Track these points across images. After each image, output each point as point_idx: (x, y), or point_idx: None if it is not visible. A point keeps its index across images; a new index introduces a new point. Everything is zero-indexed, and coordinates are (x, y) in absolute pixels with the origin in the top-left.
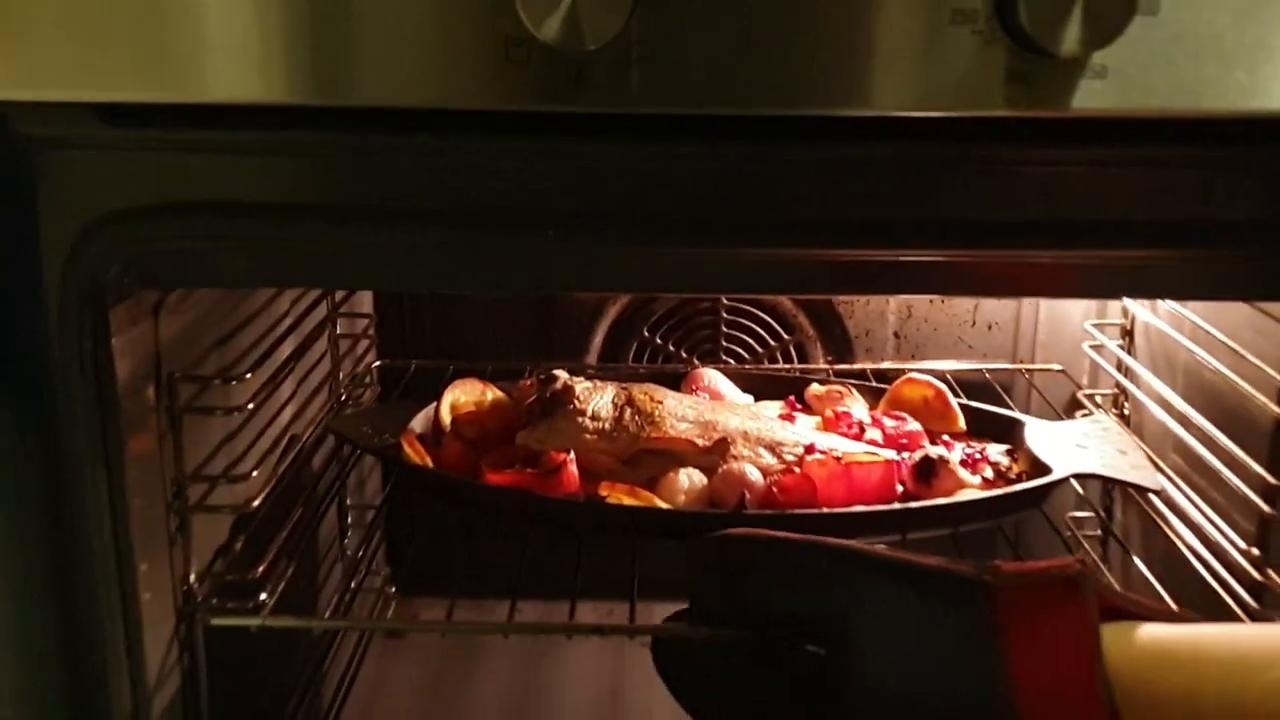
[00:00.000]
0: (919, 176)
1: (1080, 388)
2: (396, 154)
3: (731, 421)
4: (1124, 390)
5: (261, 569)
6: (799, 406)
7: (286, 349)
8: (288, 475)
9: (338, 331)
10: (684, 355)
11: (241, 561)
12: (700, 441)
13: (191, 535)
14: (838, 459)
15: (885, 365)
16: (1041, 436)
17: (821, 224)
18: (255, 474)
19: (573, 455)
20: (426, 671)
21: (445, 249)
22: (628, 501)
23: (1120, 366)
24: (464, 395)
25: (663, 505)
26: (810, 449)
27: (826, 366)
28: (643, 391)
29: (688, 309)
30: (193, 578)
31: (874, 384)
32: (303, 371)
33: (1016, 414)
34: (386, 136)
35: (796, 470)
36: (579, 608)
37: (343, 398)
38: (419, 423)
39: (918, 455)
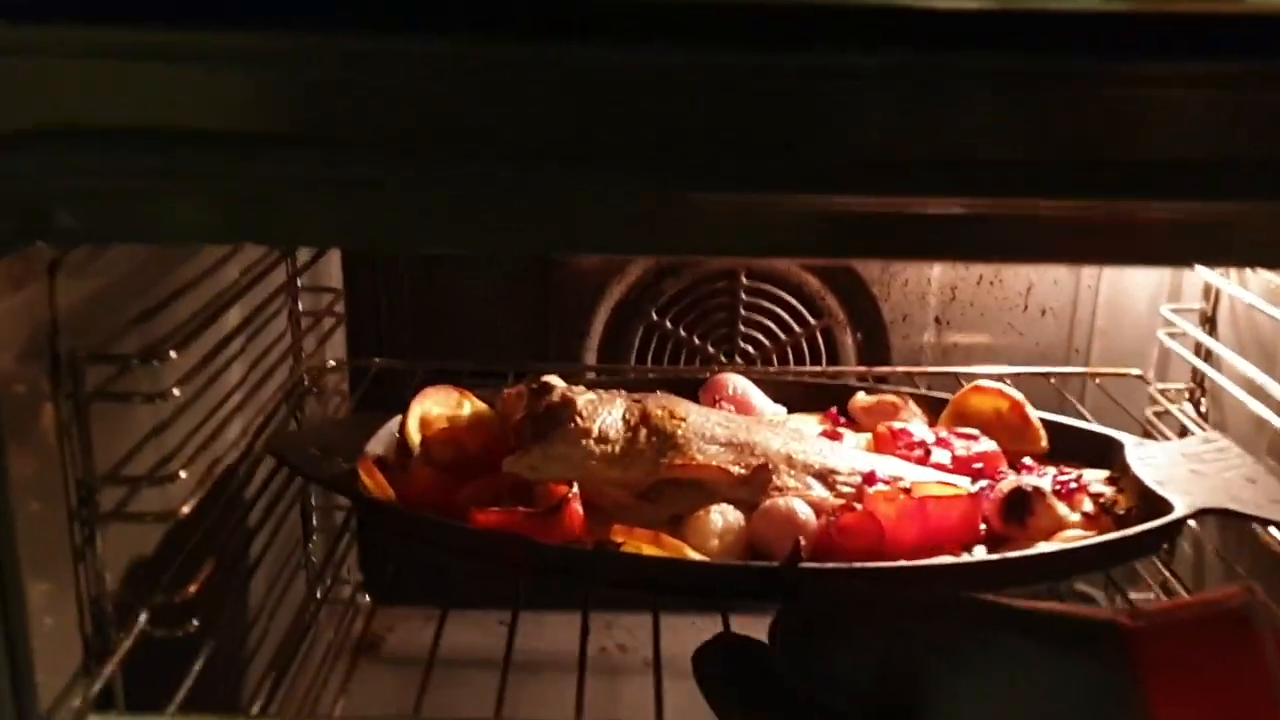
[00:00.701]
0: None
1: (1149, 383)
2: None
3: (771, 443)
4: (1201, 384)
5: (194, 588)
6: (843, 421)
7: (231, 321)
8: (233, 474)
9: (299, 308)
10: (696, 341)
11: (172, 579)
12: (735, 469)
13: (101, 549)
14: (906, 491)
15: (931, 369)
16: (1146, 460)
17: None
18: (185, 475)
19: (576, 488)
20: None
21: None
22: (650, 551)
23: (1200, 352)
24: (436, 407)
25: (693, 555)
26: (870, 478)
27: (864, 369)
28: (660, 405)
29: (701, 289)
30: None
31: (926, 391)
32: (255, 353)
33: (1112, 432)
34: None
35: (857, 506)
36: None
37: (304, 381)
38: (380, 443)
39: (1005, 486)
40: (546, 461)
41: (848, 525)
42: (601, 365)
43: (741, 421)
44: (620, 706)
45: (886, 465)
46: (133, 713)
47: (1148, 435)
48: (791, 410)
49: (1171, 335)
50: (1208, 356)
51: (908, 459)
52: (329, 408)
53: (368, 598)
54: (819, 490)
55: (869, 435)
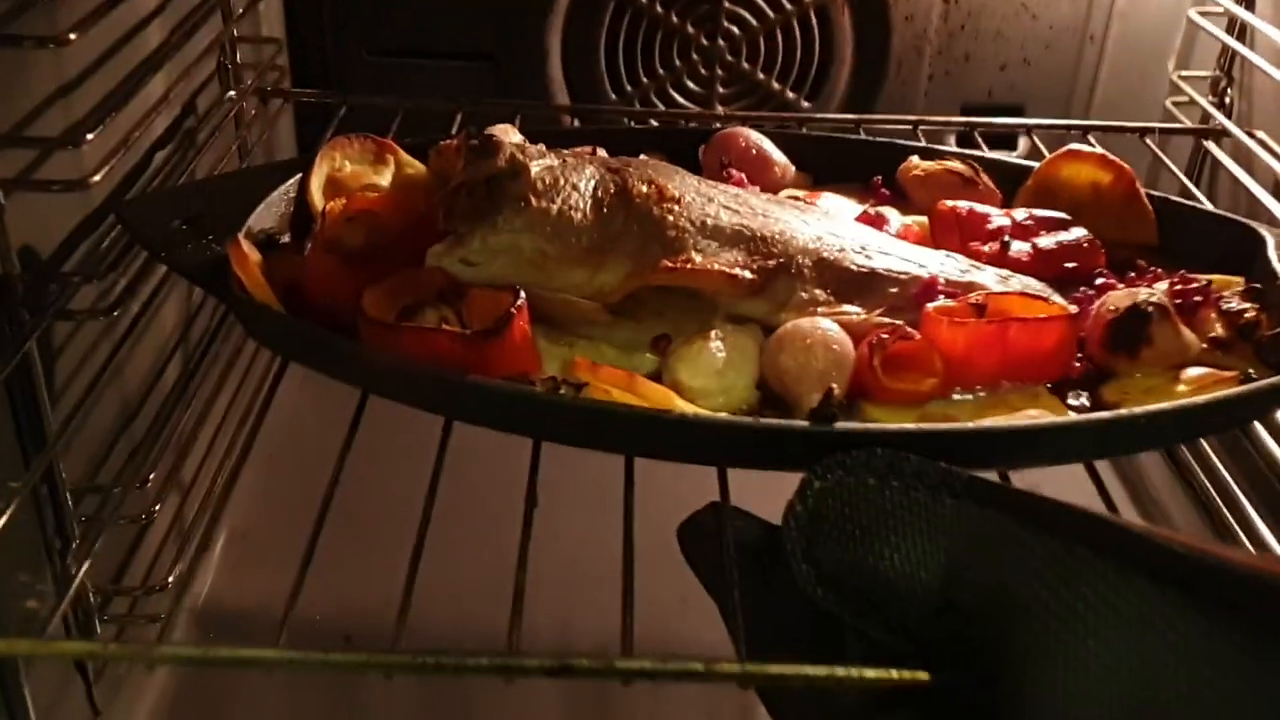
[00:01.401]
0: None
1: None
2: None
3: (796, 233)
4: (1229, 71)
5: None
6: (888, 195)
7: None
8: None
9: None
10: (674, 20)
11: None
12: (744, 274)
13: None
14: (979, 307)
15: (996, 121)
16: None
17: None
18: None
19: (523, 298)
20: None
21: None
22: (623, 398)
23: (1233, 31)
24: (350, 163)
25: (682, 405)
26: (929, 287)
27: (913, 119)
28: (645, 179)
29: None
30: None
31: (1004, 156)
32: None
33: (1244, 220)
34: None
35: (911, 333)
36: None
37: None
38: (271, 213)
39: (1115, 301)
40: (486, 253)
41: (898, 356)
42: (575, 106)
43: (755, 203)
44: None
45: (948, 264)
46: None
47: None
48: (821, 180)
49: (1203, 13)
50: (1240, 35)
51: (977, 255)
52: (252, 139)
53: None
54: (857, 305)
55: (917, 219)
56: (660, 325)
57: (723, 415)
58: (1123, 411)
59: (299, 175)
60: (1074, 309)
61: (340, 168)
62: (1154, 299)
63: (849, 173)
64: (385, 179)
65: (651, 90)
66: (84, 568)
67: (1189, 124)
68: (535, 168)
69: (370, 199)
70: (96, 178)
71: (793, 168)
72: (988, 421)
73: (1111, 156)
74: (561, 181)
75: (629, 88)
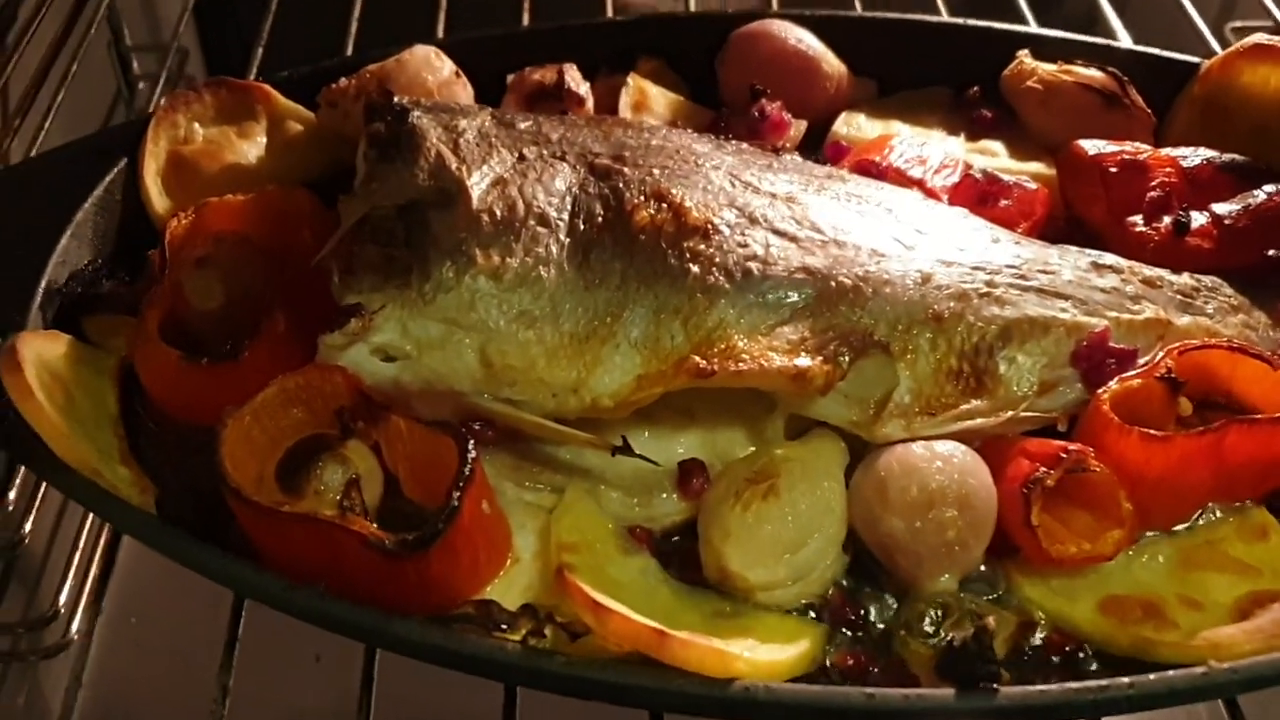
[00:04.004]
0: None
1: None
2: None
3: (892, 268)
4: None
5: None
6: (989, 116)
7: None
8: None
9: None
10: None
11: None
12: (813, 363)
13: None
14: (1171, 381)
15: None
16: None
17: None
18: None
19: (474, 452)
20: None
21: None
22: (625, 639)
23: None
24: (202, 125)
25: (738, 657)
26: (1098, 348)
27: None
28: (647, 187)
29: None
30: None
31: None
32: None
33: None
34: None
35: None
36: None
37: None
38: (81, 245)
39: None
40: (410, 341)
41: (1061, 502)
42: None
43: (821, 211)
44: None
45: (1109, 285)
46: None
47: None
48: (889, 87)
49: None
50: None
51: (1139, 242)
52: None
53: None
54: (990, 388)
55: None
56: (691, 435)
57: (809, 689)
58: None
59: (123, 164)
60: None
61: (187, 138)
62: None
63: (929, 74)
64: (257, 142)
65: None
66: None
67: None
68: (478, 184)
69: (232, 206)
70: None
71: (848, 73)
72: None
73: None
74: (521, 208)
75: None
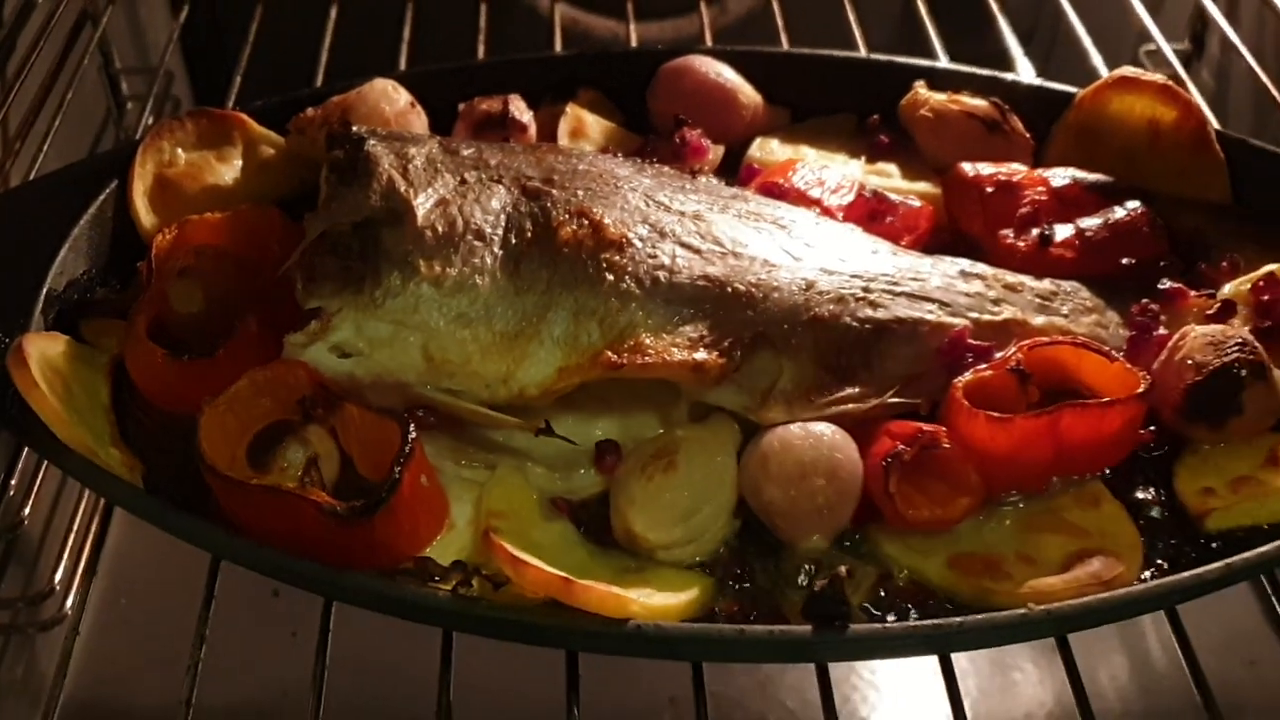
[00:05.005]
0: None
1: None
2: None
3: (781, 277)
4: None
5: None
6: (886, 141)
7: None
8: None
9: None
10: None
11: None
12: (709, 356)
13: None
14: (1019, 373)
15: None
16: None
17: None
18: None
19: (414, 435)
20: None
21: None
22: (552, 591)
23: None
24: (184, 150)
25: (635, 601)
26: (956, 345)
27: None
28: (571, 206)
29: None
30: None
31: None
32: None
33: None
34: None
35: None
36: None
37: None
38: (77, 257)
39: (1192, 352)
40: (363, 341)
41: (917, 473)
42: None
43: (722, 228)
44: None
45: (973, 291)
46: None
47: None
48: (801, 114)
49: None
50: None
51: (1009, 253)
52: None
53: None
54: (864, 378)
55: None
56: (607, 419)
57: (695, 627)
58: (1214, 569)
59: (114, 185)
60: (1144, 383)
61: (171, 161)
62: (1246, 354)
63: (837, 103)
64: (234, 165)
65: None
66: None
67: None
68: (423, 204)
69: (211, 223)
70: None
71: (763, 103)
72: (1044, 608)
73: (1175, 87)
74: (460, 224)
75: None
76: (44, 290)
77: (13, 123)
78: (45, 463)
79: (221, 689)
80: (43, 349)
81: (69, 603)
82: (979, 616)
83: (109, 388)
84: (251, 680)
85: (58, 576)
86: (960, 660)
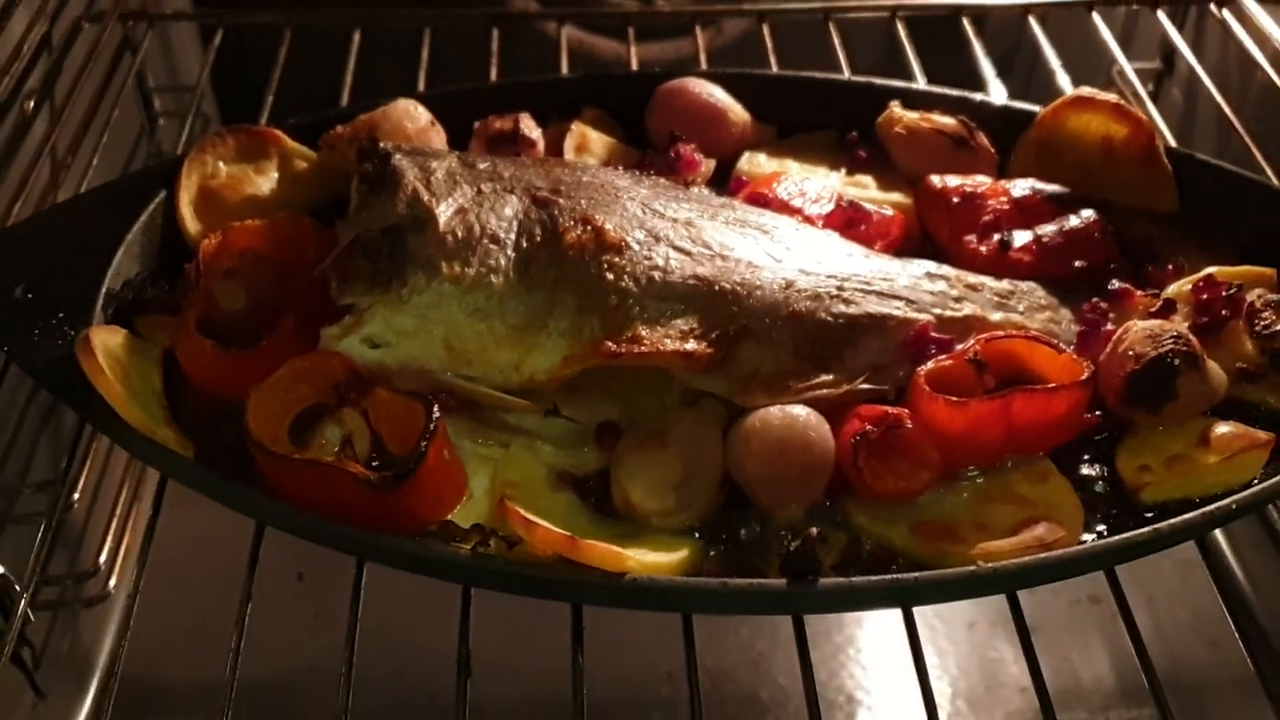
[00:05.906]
0: None
1: None
2: None
3: (764, 278)
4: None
5: None
6: (864, 156)
7: None
8: None
9: None
10: None
11: None
12: (698, 347)
13: None
14: (976, 363)
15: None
16: None
17: None
18: None
19: (437, 415)
20: None
21: None
22: (559, 549)
23: None
24: (225, 164)
25: (632, 559)
26: (920, 338)
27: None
28: (577, 214)
29: None
30: None
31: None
32: None
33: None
34: None
35: (901, 421)
36: None
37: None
38: (130, 260)
39: (1133, 344)
40: (392, 333)
41: (883, 451)
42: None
43: (712, 235)
44: None
45: (937, 290)
46: None
47: None
48: (787, 131)
49: None
50: None
51: (972, 256)
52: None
53: None
54: (836, 367)
55: (903, 200)
56: (608, 403)
57: (684, 580)
58: (1142, 533)
59: (162, 195)
60: (1087, 371)
61: (214, 174)
62: (1180, 345)
63: (820, 120)
64: (270, 177)
65: None
66: None
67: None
68: (444, 212)
69: (251, 229)
70: None
71: (752, 120)
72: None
73: (1128, 106)
74: (477, 230)
75: None
76: (103, 289)
77: (60, 143)
78: (89, 450)
79: (252, 667)
80: (104, 340)
81: (111, 582)
82: (933, 573)
83: (160, 376)
84: (280, 659)
85: (102, 557)
86: (941, 640)
